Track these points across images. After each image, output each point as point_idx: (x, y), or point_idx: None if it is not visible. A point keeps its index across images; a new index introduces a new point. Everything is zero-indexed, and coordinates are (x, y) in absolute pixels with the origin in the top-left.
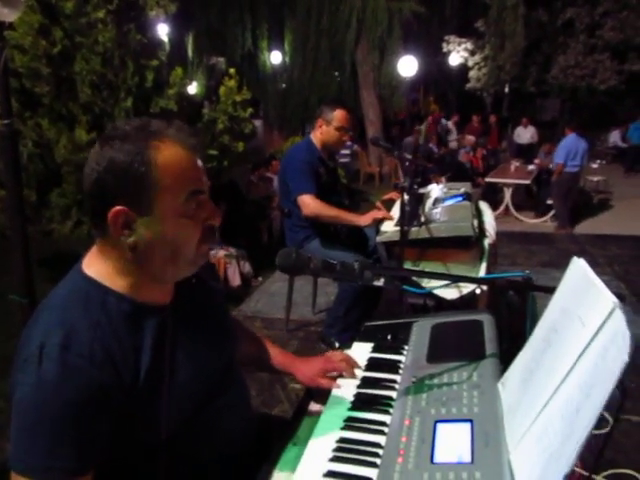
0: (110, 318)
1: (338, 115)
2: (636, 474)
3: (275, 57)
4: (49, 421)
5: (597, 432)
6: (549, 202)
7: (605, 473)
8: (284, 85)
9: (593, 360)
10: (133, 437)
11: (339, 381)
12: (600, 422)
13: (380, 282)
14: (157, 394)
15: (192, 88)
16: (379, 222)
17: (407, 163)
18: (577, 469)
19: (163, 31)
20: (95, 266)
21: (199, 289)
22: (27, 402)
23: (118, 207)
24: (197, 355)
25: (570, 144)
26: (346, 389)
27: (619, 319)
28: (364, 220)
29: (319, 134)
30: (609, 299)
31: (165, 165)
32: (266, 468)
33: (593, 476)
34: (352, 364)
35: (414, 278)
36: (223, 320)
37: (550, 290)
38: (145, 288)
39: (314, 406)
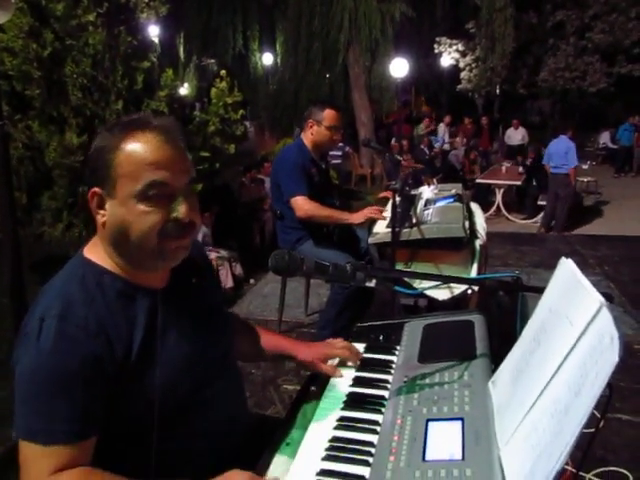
0: (105, 295)
1: (328, 115)
2: (626, 472)
3: (266, 59)
4: (47, 386)
5: (586, 430)
6: (540, 203)
7: (595, 471)
8: (275, 87)
9: (581, 359)
10: (126, 415)
11: (332, 380)
12: (589, 420)
13: (372, 283)
14: (149, 373)
15: (183, 90)
16: (372, 221)
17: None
18: (567, 467)
19: (154, 33)
20: (94, 250)
21: (196, 279)
22: (27, 371)
23: (94, 188)
24: (191, 341)
25: (549, 146)
26: (339, 388)
27: (606, 318)
28: (357, 218)
29: (310, 135)
30: (596, 299)
31: (129, 153)
32: (260, 467)
33: (583, 474)
34: (354, 351)
35: (406, 279)
36: (219, 313)
37: (539, 290)
38: (135, 271)
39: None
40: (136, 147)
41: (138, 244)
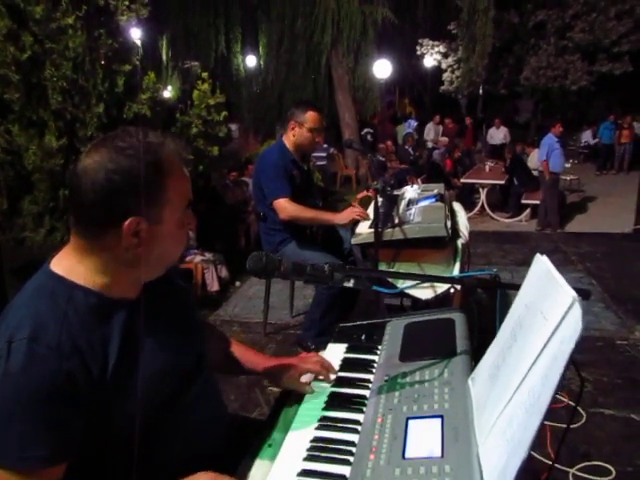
0: (77, 311)
1: (310, 117)
2: (609, 466)
3: (250, 60)
4: (19, 411)
5: (562, 425)
6: (524, 201)
7: (579, 466)
8: (259, 88)
9: (553, 353)
10: (104, 429)
11: (313, 383)
12: (569, 415)
13: (350, 283)
14: (125, 387)
15: (166, 92)
16: (355, 223)
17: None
18: (549, 462)
19: (136, 35)
20: (65, 264)
21: (166, 287)
22: None
23: (135, 217)
24: (165, 349)
25: None
26: (320, 389)
27: (577, 313)
28: (340, 218)
29: (292, 136)
30: (569, 294)
31: (171, 179)
32: (242, 469)
33: (567, 469)
34: (327, 367)
35: (387, 278)
36: (191, 318)
37: (515, 287)
38: (118, 285)
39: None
40: (175, 173)
41: (166, 262)
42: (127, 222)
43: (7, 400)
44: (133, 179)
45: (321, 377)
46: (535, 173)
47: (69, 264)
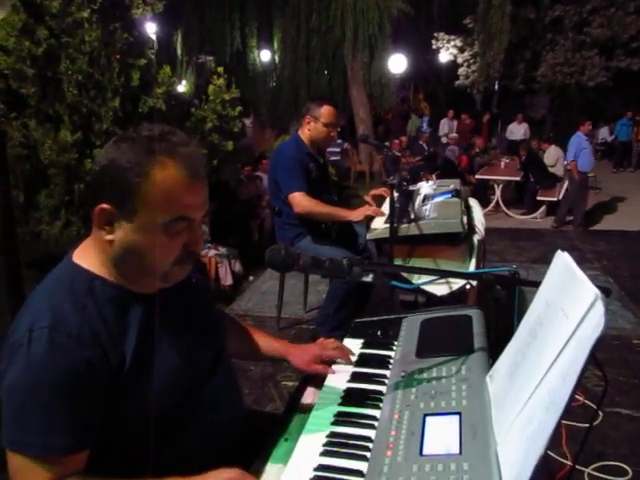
0: (96, 302)
1: (326, 111)
2: (625, 466)
3: (265, 55)
4: (41, 400)
5: (583, 425)
6: (539, 198)
7: (594, 465)
8: (274, 83)
9: (574, 350)
10: (119, 421)
11: (329, 378)
12: (587, 414)
13: (369, 278)
14: (144, 378)
15: (181, 87)
16: (370, 218)
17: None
18: (566, 461)
19: (151, 30)
20: (85, 255)
21: (185, 283)
22: (18, 384)
23: (104, 205)
24: (184, 344)
25: None
26: (336, 384)
27: (600, 310)
28: (355, 215)
29: (307, 131)
30: (591, 291)
31: (159, 183)
32: (258, 463)
33: (582, 469)
34: (345, 352)
35: (403, 274)
36: (210, 313)
37: (535, 284)
38: (130, 280)
39: (310, 391)
40: (165, 179)
41: (149, 268)
42: (96, 208)
43: (29, 389)
44: (112, 171)
45: (340, 362)
46: (551, 170)
47: (89, 255)
